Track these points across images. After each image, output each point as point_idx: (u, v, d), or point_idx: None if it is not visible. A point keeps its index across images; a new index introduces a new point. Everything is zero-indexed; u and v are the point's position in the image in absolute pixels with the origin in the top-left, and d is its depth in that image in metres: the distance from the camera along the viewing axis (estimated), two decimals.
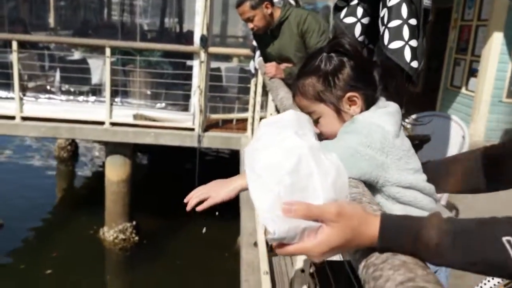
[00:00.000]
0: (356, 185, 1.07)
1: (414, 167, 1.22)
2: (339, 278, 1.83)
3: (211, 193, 1.14)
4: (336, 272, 2.31)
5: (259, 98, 4.99)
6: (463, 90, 7.80)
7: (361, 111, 1.25)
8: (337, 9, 2.07)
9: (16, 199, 8.78)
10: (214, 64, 7.60)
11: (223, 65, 8.18)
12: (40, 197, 9.26)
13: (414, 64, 1.75)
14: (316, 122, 1.27)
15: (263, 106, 5.63)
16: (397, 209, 1.17)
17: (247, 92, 7.21)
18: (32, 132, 7.02)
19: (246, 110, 7.30)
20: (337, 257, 2.06)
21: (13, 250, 7.43)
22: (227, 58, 9.02)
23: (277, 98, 2.45)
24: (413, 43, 1.74)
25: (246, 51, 7.23)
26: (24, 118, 6.88)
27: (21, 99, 6.83)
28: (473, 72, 7.55)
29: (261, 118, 5.39)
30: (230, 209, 7.05)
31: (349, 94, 1.24)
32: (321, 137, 1.24)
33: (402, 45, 1.73)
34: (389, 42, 1.75)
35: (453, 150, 3.45)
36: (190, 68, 7.09)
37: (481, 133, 7.04)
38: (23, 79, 7.04)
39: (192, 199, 1.14)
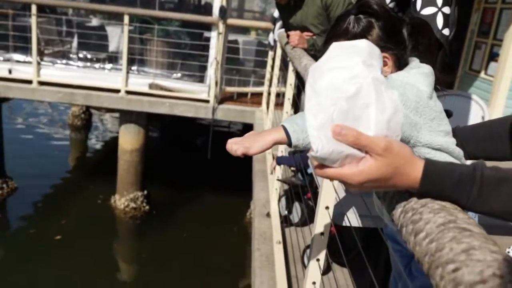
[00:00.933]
0: None
1: (445, 129, 1.21)
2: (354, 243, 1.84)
3: (246, 145, 1.12)
4: (349, 239, 2.32)
5: (277, 71, 4.96)
6: (482, 74, 7.68)
7: (392, 71, 1.24)
8: None
9: (30, 164, 8.88)
10: (231, 37, 7.54)
11: (240, 38, 8.11)
12: (53, 163, 9.37)
13: (446, 31, 1.72)
14: None
15: (279, 80, 5.60)
16: None
17: (264, 66, 7.17)
18: (48, 97, 7.06)
19: (261, 84, 7.28)
20: (354, 223, 2.07)
21: (25, 214, 7.54)
22: (244, 31, 8.95)
23: (301, 65, 2.43)
24: (446, 10, 1.70)
25: (265, 24, 7.18)
26: (41, 83, 6.91)
27: (38, 63, 6.85)
28: (493, 57, 7.43)
29: (278, 93, 5.36)
30: (241, 182, 7.14)
31: None
32: None
33: (435, 11, 1.70)
34: (422, 8, 1.71)
35: None
36: (207, 39, 7.05)
37: None
38: (40, 43, 7.04)
39: (235, 150, 1.11)
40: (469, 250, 0.61)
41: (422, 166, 0.78)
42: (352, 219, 1.93)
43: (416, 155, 1.17)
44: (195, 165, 9.20)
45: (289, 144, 1.11)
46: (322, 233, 1.66)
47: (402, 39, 1.24)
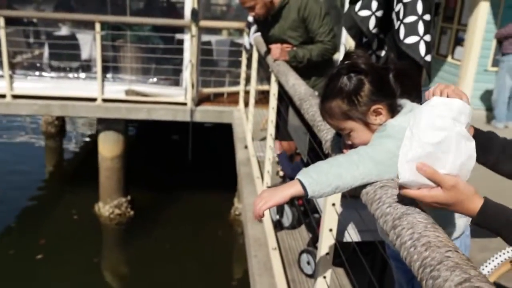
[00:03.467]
0: (394, 186, 1.20)
1: None
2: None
3: (264, 199, 1.25)
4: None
5: (255, 74, 5.06)
6: (449, 59, 7.93)
7: (387, 119, 1.36)
8: (352, 1, 2.15)
9: (6, 177, 8.73)
10: (204, 38, 7.57)
11: (213, 38, 8.14)
12: (30, 175, 9.21)
13: (428, 58, 1.86)
14: (347, 135, 1.39)
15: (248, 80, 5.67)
16: None
17: (238, 66, 7.24)
18: (23, 111, 6.99)
19: (237, 83, 7.35)
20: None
21: (4, 232, 7.37)
22: (216, 31, 8.97)
23: (288, 84, 2.54)
24: (428, 38, 1.84)
25: (237, 24, 7.23)
26: (15, 96, 6.83)
27: (10, 77, 6.76)
28: (459, 41, 7.68)
29: (262, 91, 5.40)
30: (222, 180, 7.24)
31: (373, 107, 1.35)
32: (355, 147, 1.37)
33: (417, 40, 1.83)
34: (405, 37, 1.84)
35: None
36: (180, 42, 7.07)
37: None
38: (11, 56, 6.94)
39: (259, 213, 1.25)
40: None
41: (480, 203, 1.05)
42: (352, 234, 2.07)
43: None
44: (176, 166, 9.25)
45: (306, 196, 1.22)
46: (327, 254, 1.79)
47: (391, 88, 1.37)
